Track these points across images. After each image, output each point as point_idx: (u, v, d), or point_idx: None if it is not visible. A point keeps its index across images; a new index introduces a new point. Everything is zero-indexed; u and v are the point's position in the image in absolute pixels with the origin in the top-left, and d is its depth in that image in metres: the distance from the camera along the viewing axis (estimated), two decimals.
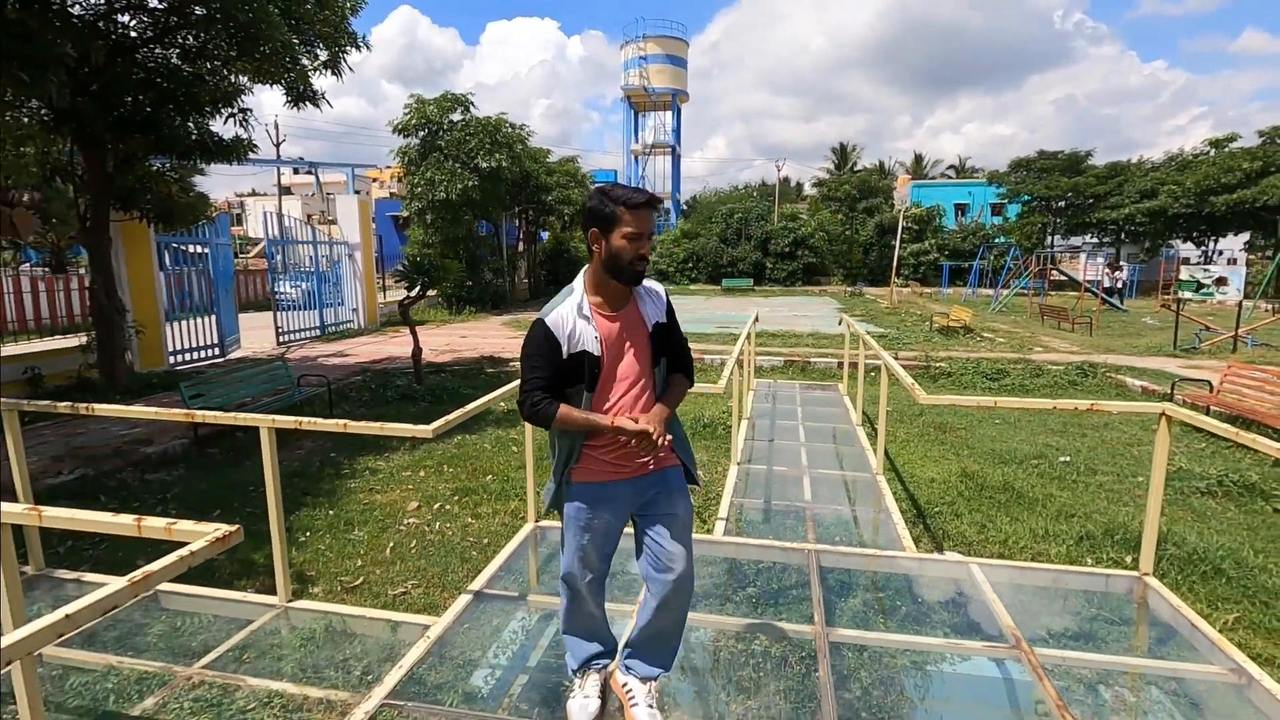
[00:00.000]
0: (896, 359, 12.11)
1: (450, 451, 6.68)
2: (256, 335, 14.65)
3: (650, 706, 2.26)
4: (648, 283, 2.24)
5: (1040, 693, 2.47)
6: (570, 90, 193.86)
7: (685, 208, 52.94)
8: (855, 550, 3.63)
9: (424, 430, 2.72)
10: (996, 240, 33.79)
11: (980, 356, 12.09)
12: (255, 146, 9.03)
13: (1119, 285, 24.90)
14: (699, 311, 23.22)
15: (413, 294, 9.11)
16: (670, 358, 2.24)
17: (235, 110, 8.44)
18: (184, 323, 11.32)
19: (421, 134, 19.21)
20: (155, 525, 1.59)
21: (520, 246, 26.76)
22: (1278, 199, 24.17)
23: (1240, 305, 15.91)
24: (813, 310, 22.58)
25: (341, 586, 3.97)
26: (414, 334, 9.08)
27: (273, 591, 3.16)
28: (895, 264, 26.67)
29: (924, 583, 3.42)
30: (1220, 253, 32.13)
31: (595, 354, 2.09)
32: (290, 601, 3.13)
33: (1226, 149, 29.02)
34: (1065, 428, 7.80)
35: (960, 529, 4.74)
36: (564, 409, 2.06)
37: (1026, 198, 33.57)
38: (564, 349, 2.08)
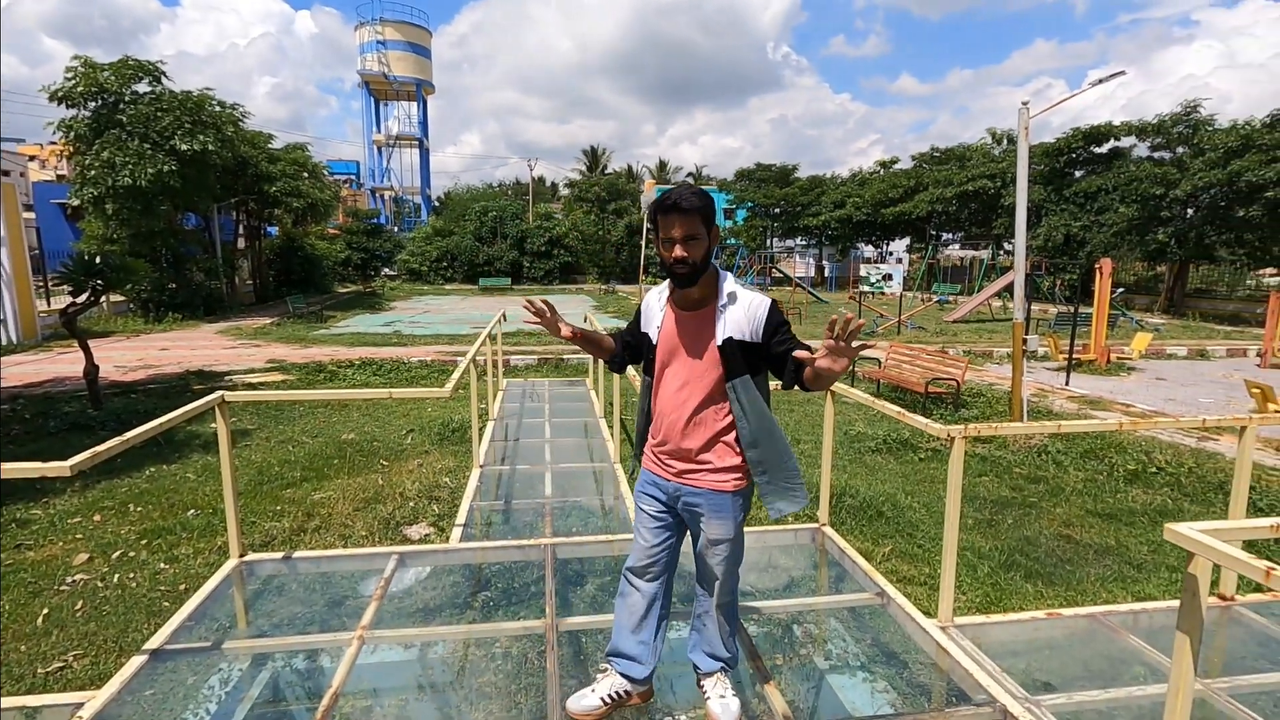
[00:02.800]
0: None
1: (139, 487, 5.61)
2: None
3: (721, 696, 2.29)
4: (751, 295, 2.09)
5: (739, 642, 2.78)
6: (301, 70, 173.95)
7: (437, 204, 50.86)
8: (589, 538, 3.78)
9: (60, 467, 2.21)
10: (728, 241, 37.90)
11: None
12: None
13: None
14: (455, 312, 22.52)
15: (80, 300, 7.45)
16: (777, 366, 2.09)
17: None
18: None
19: (93, 105, 15.81)
20: None
21: (241, 243, 23.47)
22: (925, 211, 30.49)
23: (901, 297, 19.76)
24: (569, 308, 23.14)
25: None
26: (85, 349, 7.43)
27: None
28: (643, 263, 28.45)
29: None
30: (891, 253, 39.70)
31: (652, 340, 2.18)
32: None
33: (891, 169, 35.91)
34: (778, 405, 8.97)
35: None
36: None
37: (750, 204, 38.17)
38: (641, 321, 2.23)
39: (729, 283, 2.10)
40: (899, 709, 2.46)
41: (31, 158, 38.60)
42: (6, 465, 2.24)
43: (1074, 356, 11.02)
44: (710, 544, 2.21)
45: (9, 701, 2.44)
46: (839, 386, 3.63)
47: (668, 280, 2.14)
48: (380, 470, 6.07)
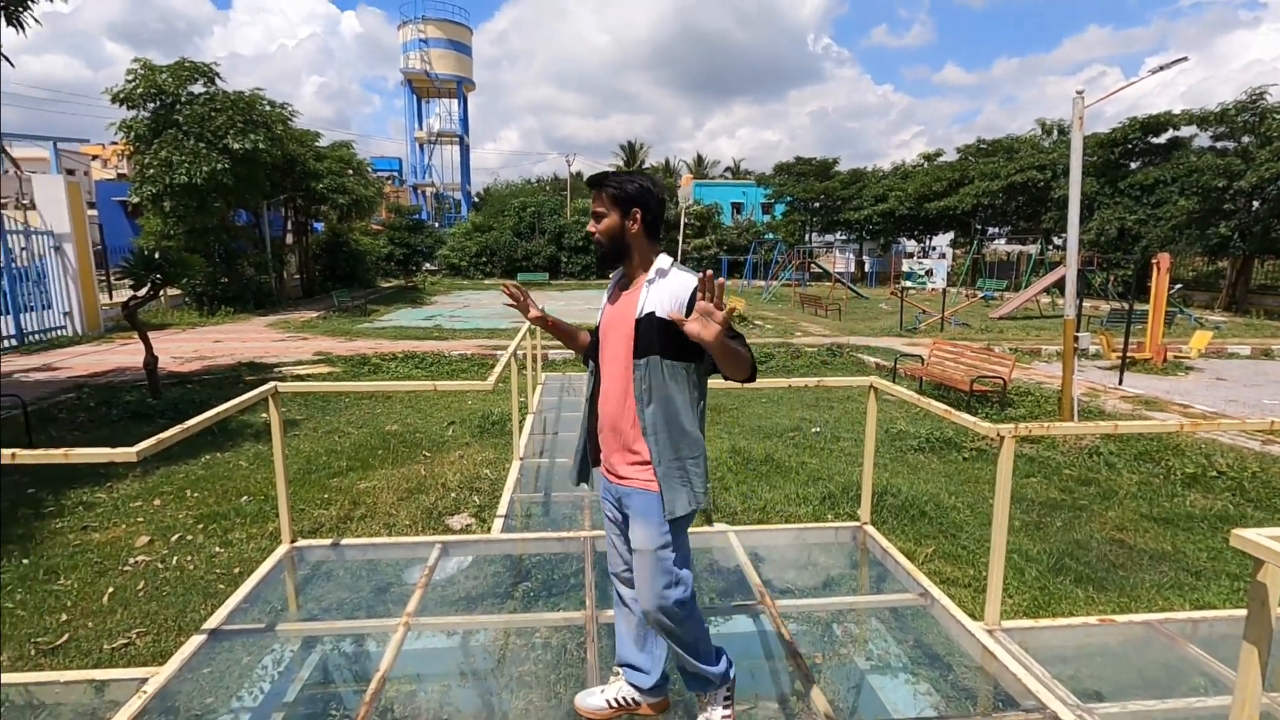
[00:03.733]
0: None
1: (195, 473, 5.84)
2: None
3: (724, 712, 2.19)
4: (683, 274, 1.98)
5: (780, 640, 2.77)
6: (347, 70, 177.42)
7: (477, 200, 51.53)
8: None
9: (126, 453, 2.32)
10: (766, 236, 37.51)
11: (751, 342, 13.32)
12: None
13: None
14: (494, 306, 22.79)
15: (141, 294, 7.77)
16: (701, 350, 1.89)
17: None
18: None
19: (152, 105, 16.44)
20: None
21: (289, 239, 24.15)
22: (971, 205, 29.68)
23: (944, 292, 19.30)
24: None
25: (36, 650, 3.28)
26: (145, 340, 7.75)
27: None
28: (680, 258, 28.32)
29: (691, 555, 3.67)
30: (934, 248, 38.76)
31: (597, 324, 2.18)
32: None
33: (935, 162, 35.04)
34: (817, 402, 8.87)
35: (728, 500, 5.18)
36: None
37: (789, 198, 37.69)
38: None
39: (662, 261, 2.02)
40: (943, 712, 2.42)
41: (94, 157, 40.34)
42: (76, 450, 2.36)
43: (1128, 355, 10.62)
44: (634, 554, 2.03)
45: (81, 675, 2.57)
46: (880, 383, 3.58)
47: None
48: (423, 461, 6.19)
